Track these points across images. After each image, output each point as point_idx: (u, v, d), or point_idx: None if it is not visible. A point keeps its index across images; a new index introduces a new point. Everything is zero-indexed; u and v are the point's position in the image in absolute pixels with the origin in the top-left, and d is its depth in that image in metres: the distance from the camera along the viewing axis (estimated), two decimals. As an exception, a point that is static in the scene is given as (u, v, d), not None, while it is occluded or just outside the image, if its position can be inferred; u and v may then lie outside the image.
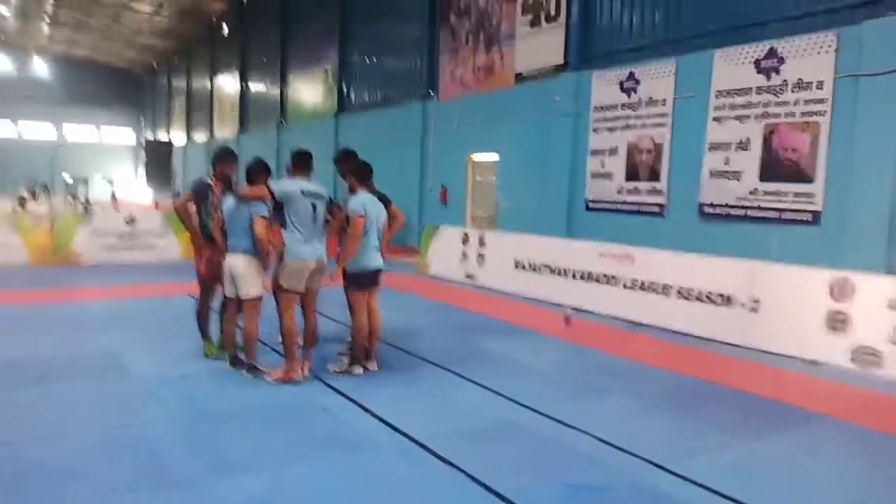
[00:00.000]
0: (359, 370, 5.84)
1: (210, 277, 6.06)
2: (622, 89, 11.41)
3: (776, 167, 9.13)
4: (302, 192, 5.50)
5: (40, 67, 45.34)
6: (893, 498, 3.76)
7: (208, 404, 5.01)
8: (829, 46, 8.50)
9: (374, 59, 19.62)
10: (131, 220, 13.00)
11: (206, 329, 6.27)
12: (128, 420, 4.62)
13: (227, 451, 4.15)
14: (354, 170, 5.94)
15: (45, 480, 3.69)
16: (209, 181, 6.10)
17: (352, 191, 5.88)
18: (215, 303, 6.25)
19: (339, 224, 5.86)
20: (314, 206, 5.55)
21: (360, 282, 5.78)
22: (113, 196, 31.48)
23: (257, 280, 5.63)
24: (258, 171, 5.69)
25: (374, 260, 5.82)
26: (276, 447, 4.25)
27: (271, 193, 5.47)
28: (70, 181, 32.91)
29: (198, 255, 6.11)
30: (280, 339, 5.77)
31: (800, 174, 8.85)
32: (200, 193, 6.06)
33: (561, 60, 12.69)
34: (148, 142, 30.06)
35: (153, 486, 3.65)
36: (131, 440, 4.28)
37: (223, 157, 6.21)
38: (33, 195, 31.54)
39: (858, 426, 4.97)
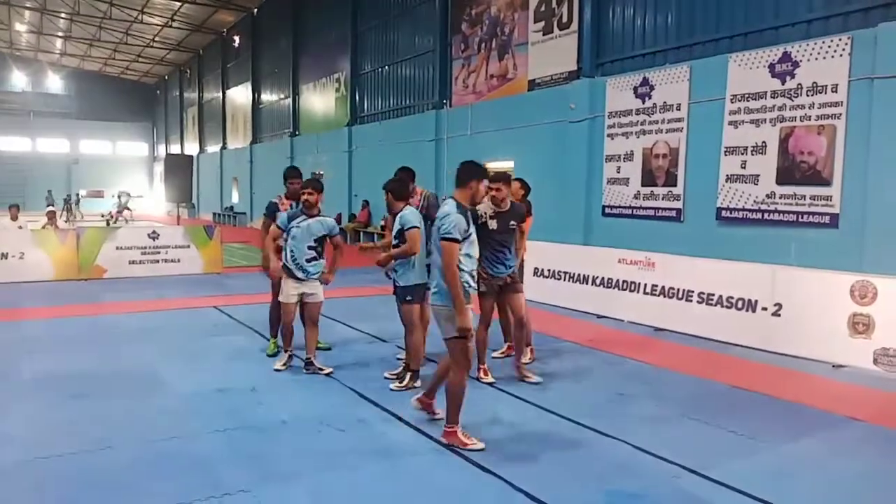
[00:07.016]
0: (418, 383, 5.89)
1: None
2: (636, 95, 11.49)
3: (793, 170, 9.19)
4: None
5: (54, 82, 45.78)
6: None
7: (247, 416, 5.14)
8: (844, 49, 8.57)
9: (387, 69, 19.79)
10: (155, 235, 13.20)
11: (276, 330, 6.79)
12: (171, 432, 4.75)
13: (270, 461, 4.27)
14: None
15: (98, 490, 3.84)
16: (275, 200, 6.83)
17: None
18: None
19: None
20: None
21: None
22: (119, 210, 31.61)
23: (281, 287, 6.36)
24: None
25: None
26: (317, 456, 4.37)
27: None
28: (84, 195, 33.03)
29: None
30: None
31: (817, 177, 8.91)
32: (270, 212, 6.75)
33: (574, 67, 12.81)
34: (169, 155, 30.14)
35: (205, 494, 3.76)
36: (176, 451, 4.42)
37: (291, 175, 6.88)
38: (64, 210, 31.63)
39: (886, 428, 5.04)
